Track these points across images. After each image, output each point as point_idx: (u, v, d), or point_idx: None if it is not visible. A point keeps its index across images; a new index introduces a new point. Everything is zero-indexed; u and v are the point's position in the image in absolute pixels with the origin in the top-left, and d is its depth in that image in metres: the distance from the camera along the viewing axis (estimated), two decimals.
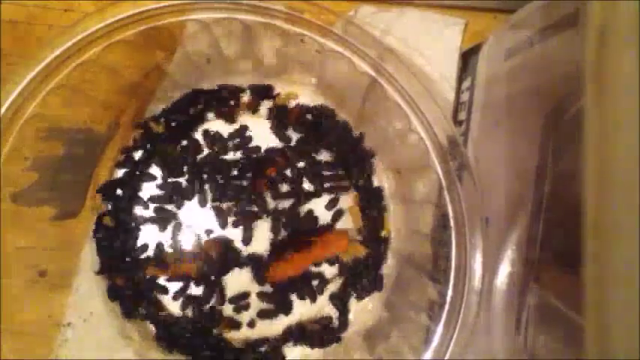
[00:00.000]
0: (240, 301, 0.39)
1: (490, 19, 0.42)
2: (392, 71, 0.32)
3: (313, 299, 0.39)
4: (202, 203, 0.39)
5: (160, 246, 0.39)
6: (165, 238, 0.39)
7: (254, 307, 0.39)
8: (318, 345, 0.38)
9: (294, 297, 0.39)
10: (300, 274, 0.39)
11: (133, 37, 0.32)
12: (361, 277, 0.39)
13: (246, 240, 0.39)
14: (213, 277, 0.38)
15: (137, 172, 0.39)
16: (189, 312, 0.38)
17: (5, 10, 0.41)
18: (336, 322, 0.39)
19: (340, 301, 0.39)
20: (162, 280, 0.39)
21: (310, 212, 0.39)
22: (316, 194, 0.39)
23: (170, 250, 0.39)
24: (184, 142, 0.40)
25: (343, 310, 0.39)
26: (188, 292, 0.39)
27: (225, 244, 0.39)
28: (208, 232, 0.39)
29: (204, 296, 0.38)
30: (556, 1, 0.28)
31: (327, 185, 0.40)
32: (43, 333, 0.36)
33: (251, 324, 0.39)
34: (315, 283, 0.39)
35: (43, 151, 0.34)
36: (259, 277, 0.38)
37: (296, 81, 0.40)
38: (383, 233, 0.39)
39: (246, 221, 0.39)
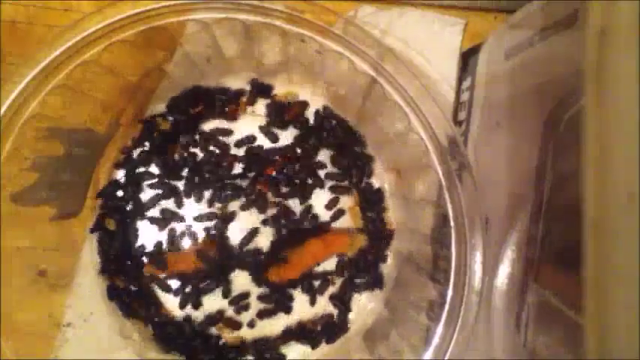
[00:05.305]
0: (241, 301, 0.39)
1: (490, 19, 0.42)
2: (392, 71, 0.32)
3: (313, 301, 0.39)
4: (202, 203, 0.39)
5: (158, 245, 0.39)
6: (164, 237, 0.39)
7: (254, 307, 0.39)
8: (318, 345, 0.38)
9: (293, 297, 0.39)
10: (300, 275, 0.39)
11: (133, 37, 0.32)
12: (361, 276, 0.39)
13: (246, 241, 0.39)
14: (213, 277, 0.38)
15: (136, 172, 0.39)
16: (189, 312, 0.38)
17: (5, 10, 0.41)
18: (336, 322, 0.39)
19: (340, 300, 0.39)
20: (161, 280, 0.39)
21: (310, 212, 0.39)
22: (316, 194, 0.39)
23: (169, 250, 0.39)
24: (184, 142, 0.40)
25: (343, 310, 0.39)
26: (188, 290, 0.39)
27: (224, 243, 0.39)
28: (207, 231, 0.39)
29: (204, 291, 0.38)
30: (556, 1, 0.28)
31: (327, 185, 0.40)
32: (43, 333, 0.36)
33: (251, 324, 0.39)
34: (316, 283, 0.39)
35: (43, 151, 0.34)
36: (258, 279, 0.39)
37: (296, 81, 0.40)
38: (383, 233, 0.39)
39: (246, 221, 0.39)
